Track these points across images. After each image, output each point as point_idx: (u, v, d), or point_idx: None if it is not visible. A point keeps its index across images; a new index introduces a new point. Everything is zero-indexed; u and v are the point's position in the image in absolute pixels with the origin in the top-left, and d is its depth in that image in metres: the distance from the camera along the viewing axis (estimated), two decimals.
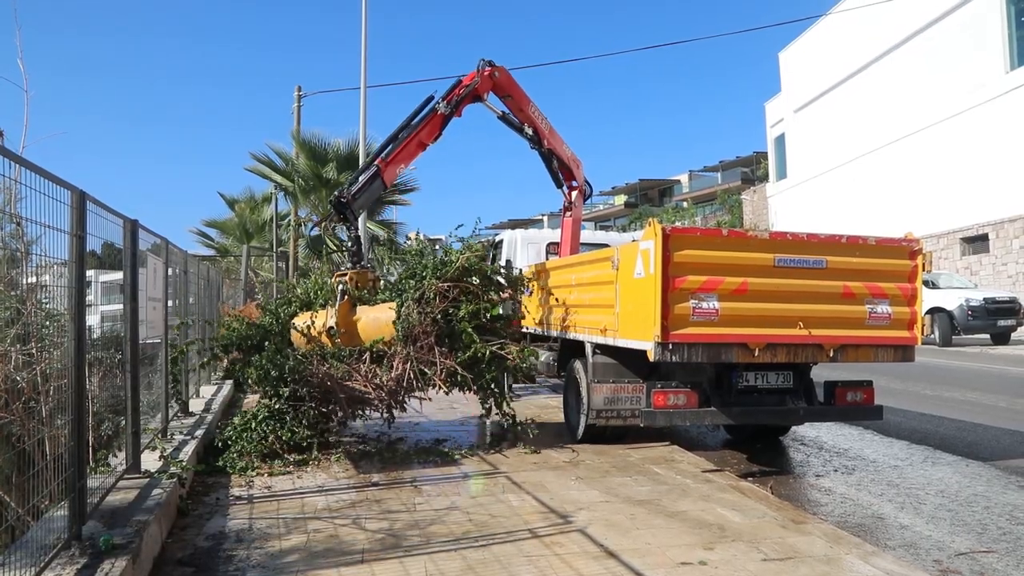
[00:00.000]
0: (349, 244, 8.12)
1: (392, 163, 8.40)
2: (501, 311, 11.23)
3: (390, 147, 8.58)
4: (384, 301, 7.84)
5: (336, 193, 8.18)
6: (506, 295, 11.04)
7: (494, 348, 7.33)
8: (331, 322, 7.51)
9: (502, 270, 8.21)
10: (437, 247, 7.65)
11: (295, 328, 7.71)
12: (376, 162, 8.36)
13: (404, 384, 7.15)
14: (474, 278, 7.60)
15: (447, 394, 7.65)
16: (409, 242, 7.71)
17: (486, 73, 8.89)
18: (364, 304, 7.85)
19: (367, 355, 7.34)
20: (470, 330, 7.22)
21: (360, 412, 7.56)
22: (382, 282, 8.42)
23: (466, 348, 7.21)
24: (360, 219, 17.48)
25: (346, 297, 7.72)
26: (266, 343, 7.98)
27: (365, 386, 7.03)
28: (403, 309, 7.25)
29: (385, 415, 7.43)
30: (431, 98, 8.72)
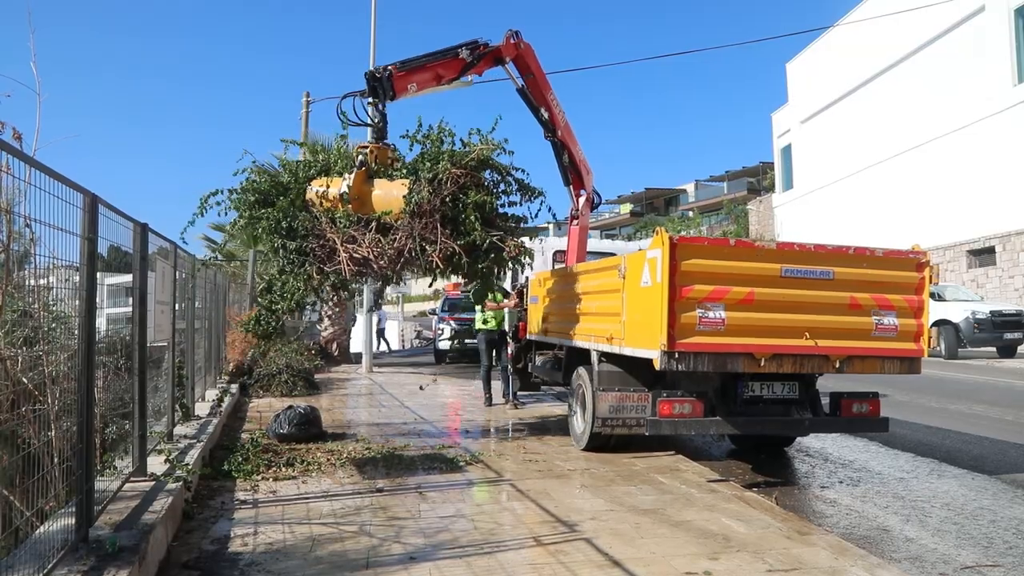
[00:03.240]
0: (376, 120, 8.06)
1: (405, 76, 8.26)
2: (507, 322, 11.26)
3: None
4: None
5: (371, 69, 8.14)
6: (512, 303, 11.10)
7: (494, 239, 7.51)
8: (344, 188, 7.54)
9: (522, 171, 8.20)
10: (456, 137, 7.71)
11: (310, 189, 7.71)
12: (391, 67, 8.22)
13: (404, 256, 7.40)
14: (486, 172, 7.79)
15: (442, 274, 7.89)
16: (432, 128, 7.66)
17: (510, 40, 9.07)
18: (379, 179, 7.92)
19: (373, 225, 7.47)
20: (473, 218, 7.38)
21: (360, 276, 7.93)
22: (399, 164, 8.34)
23: (467, 234, 7.38)
24: None
25: (364, 168, 7.68)
26: (281, 198, 7.85)
27: (368, 252, 7.27)
28: (415, 186, 7.36)
29: (377, 285, 7.81)
30: (457, 46, 8.85)
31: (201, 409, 8.81)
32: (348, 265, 7.26)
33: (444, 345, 20.22)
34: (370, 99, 7.94)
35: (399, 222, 7.40)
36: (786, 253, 6.49)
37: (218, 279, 13.03)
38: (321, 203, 7.57)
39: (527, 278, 11.34)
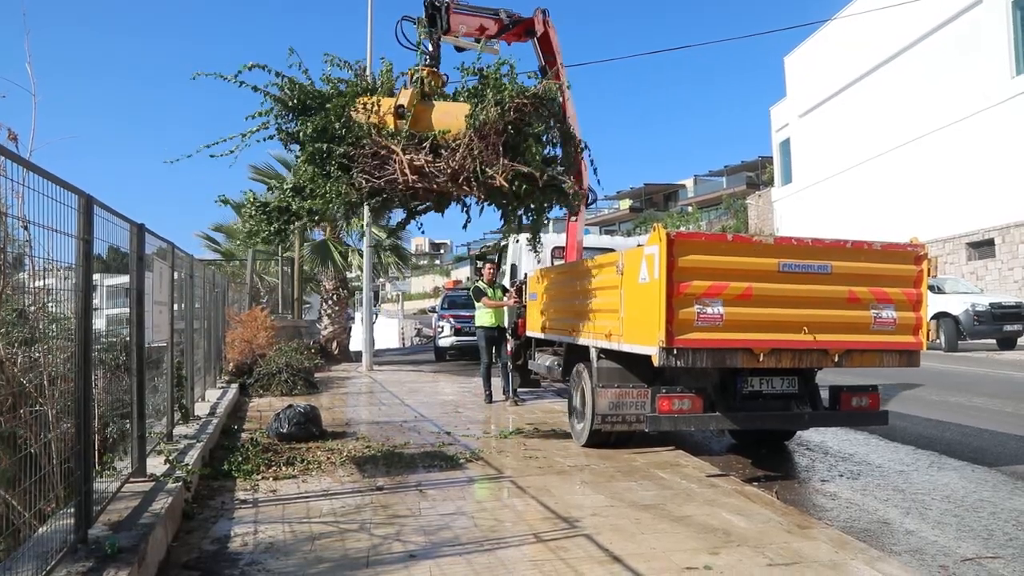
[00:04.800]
0: (431, 49, 8.00)
1: (459, 15, 8.27)
2: (506, 319, 11.23)
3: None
4: None
5: None
6: (511, 300, 11.10)
7: (553, 174, 7.42)
8: (402, 101, 7.33)
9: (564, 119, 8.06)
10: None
11: (358, 103, 7.39)
12: (448, 1, 8.23)
13: (461, 179, 7.17)
14: (546, 109, 7.64)
15: (507, 190, 7.31)
16: (490, 65, 7.57)
17: (540, 15, 9.20)
18: (436, 101, 7.77)
19: (427, 145, 7.26)
20: (535, 149, 7.31)
21: (413, 193, 7.54)
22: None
23: (527, 164, 7.25)
24: (365, 224, 17.53)
25: (420, 86, 7.54)
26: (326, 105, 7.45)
27: (425, 165, 7.05)
28: (479, 106, 7.18)
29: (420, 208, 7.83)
30: (498, 8, 8.95)
31: (201, 409, 8.81)
32: (406, 173, 7.01)
33: (444, 343, 20.22)
34: (427, 27, 7.86)
35: (457, 142, 7.17)
36: (784, 248, 6.48)
37: (217, 279, 13.03)
38: (369, 118, 7.30)
39: (526, 275, 11.35)
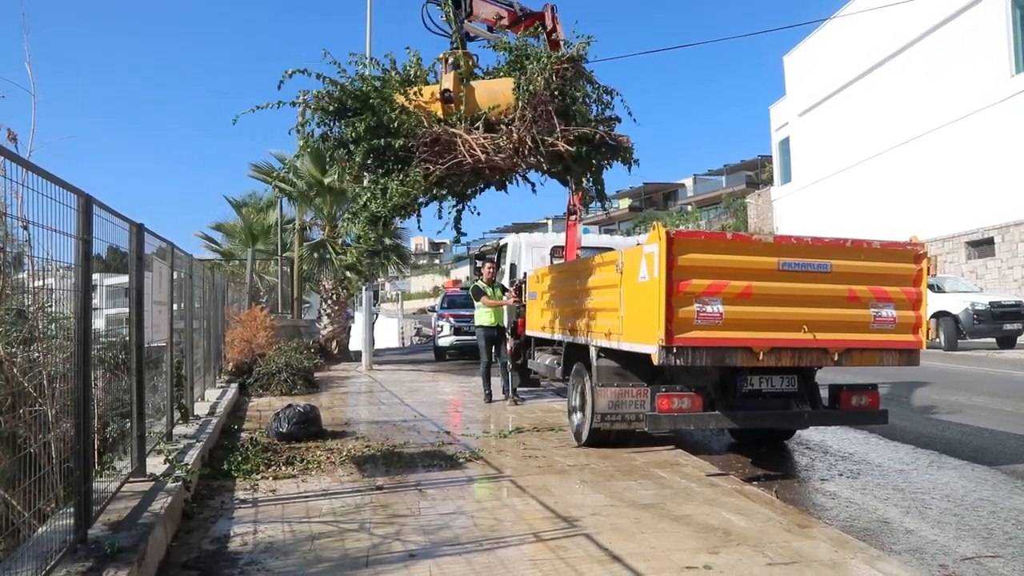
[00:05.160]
0: (455, 30, 7.97)
1: (481, 1, 8.20)
2: (506, 318, 11.23)
3: None
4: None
5: None
6: (510, 300, 11.10)
7: (606, 130, 7.44)
8: (447, 85, 7.33)
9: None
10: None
11: (400, 94, 7.34)
12: None
13: (526, 150, 7.17)
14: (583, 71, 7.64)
15: (569, 153, 7.28)
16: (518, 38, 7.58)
17: (550, 10, 9.11)
18: (474, 81, 7.76)
19: (480, 123, 7.28)
20: (584, 109, 7.33)
21: (476, 175, 7.57)
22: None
23: (580, 126, 7.27)
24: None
25: (458, 69, 7.51)
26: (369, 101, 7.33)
27: (483, 150, 7.03)
28: (525, 77, 7.21)
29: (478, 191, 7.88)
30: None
31: (200, 409, 8.81)
32: (474, 152, 7.01)
33: (444, 342, 20.22)
34: (453, 10, 7.82)
35: (509, 116, 7.23)
36: (783, 246, 6.48)
37: (216, 278, 13.03)
38: (415, 107, 7.28)
39: (525, 274, 11.36)
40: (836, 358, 6.51)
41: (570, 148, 7.14)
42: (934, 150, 26.97)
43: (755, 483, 6.42)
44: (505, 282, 12.54)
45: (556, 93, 7.21)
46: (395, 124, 7.07)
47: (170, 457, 5.69)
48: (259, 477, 6.34)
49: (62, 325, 4.27)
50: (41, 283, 4.45)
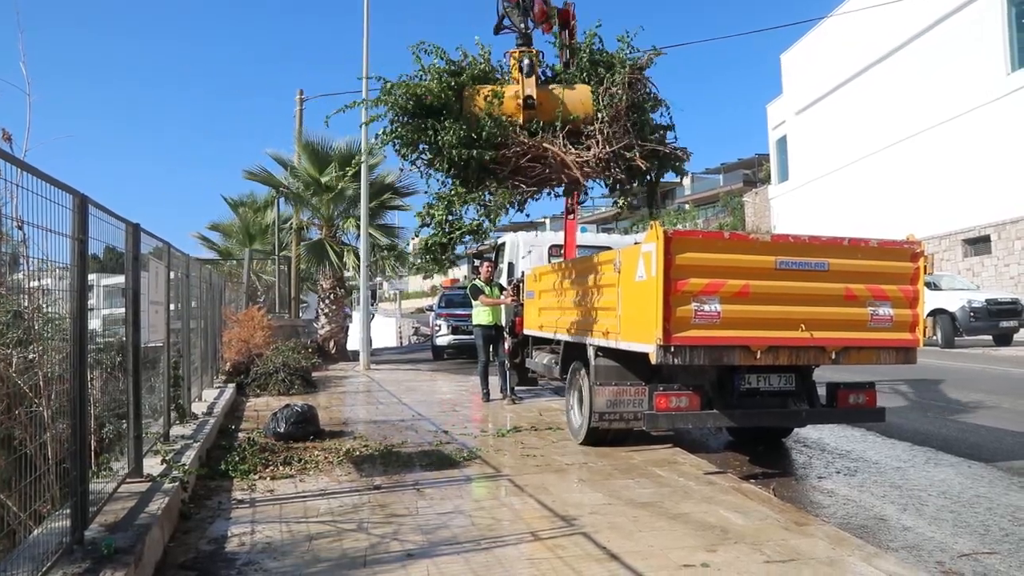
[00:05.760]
0: (522, 25, 7.72)
1: None
2: (504, 317, 11.22)
3: None
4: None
5: None
6: (508, 299, 11.10)
7: (674, 145, 7.50)
8: (529, 91, 7.14)
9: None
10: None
11: (478, 95, 7.13)
12: None
13: (607, 166, 7.16)
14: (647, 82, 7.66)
15: (646, 168, 7.33)
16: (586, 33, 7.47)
17: (572, 8, 9.16)
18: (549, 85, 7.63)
19: (561, 132, 7.16)
20: (652, 123, 7.34)
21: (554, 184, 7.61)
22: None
23: (648, 138, 7.26)
24: (361, 224, 17.52)
25: (534, 73, 7.30)
26: (444, 111, 7.16)
27: (576, 166, 6.96)
28: (603, 87, 7.10)
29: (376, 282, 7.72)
30: None
31: (198, 409, 8.79)
32: (569, 168, 6.94)
33: (442, 341, 20.20)
34: (519, 7, 7.68)
35: (591, 128, 7.16)
36: (781, 245, 6.48)
37: (214, 278, 13.01)
38: (494, 111, 7.10)
39: (523, 273, 11.35)
40: (834, 356, 6.52)
41: (648, 164, 7.15)
42: (930, 148, 27.01)
43: (753, 481, 6.42)
44: (503, 281, 12.54)
45: (633, 106, 7.21)
46: (485, 135, 6.91)
47: (167, 458, 5.68)
48: (257, 477, 6.33)
49: (58, 326, 4.26)
50: (37, 284, 4.44)
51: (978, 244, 25.47)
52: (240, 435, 8.26)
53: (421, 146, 7.28)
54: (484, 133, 6.95)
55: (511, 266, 13.17)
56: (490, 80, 7.50)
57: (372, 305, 24.66)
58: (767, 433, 8.19)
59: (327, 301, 20.32)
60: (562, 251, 11.21)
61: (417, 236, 7.58)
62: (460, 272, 28.43)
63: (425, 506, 5.44)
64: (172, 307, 7.21)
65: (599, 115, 7.13)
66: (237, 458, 6.82)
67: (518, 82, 7.34)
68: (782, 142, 38.75)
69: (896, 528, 5.35)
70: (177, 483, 5.18)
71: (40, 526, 3.66)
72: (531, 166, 7.13)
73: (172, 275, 7.10)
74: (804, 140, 36.38)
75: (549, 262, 11.59)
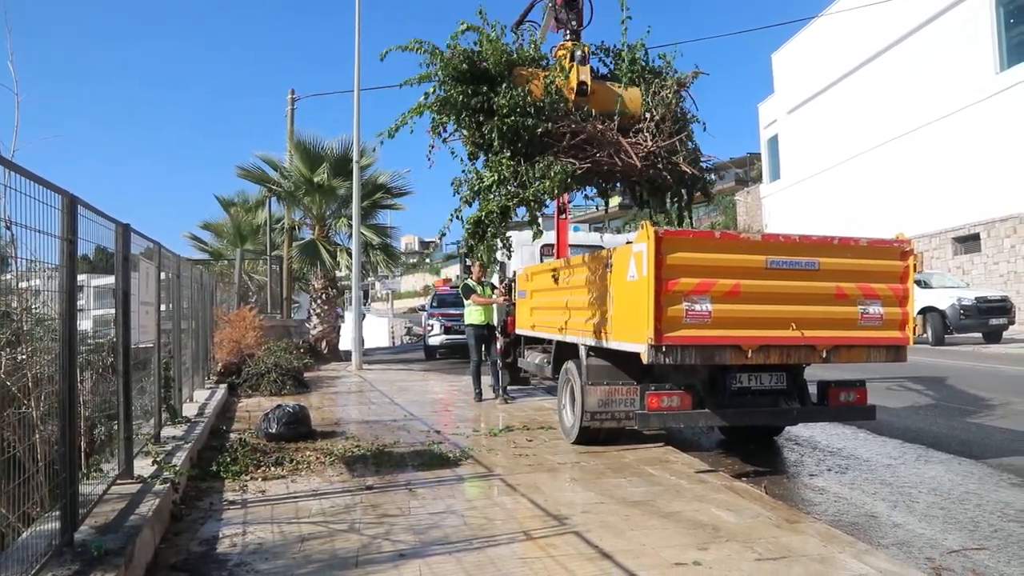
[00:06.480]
0: (571, 20, 7.74)
1: None
2: (496, 317, 11.21)
3: None
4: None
5: None
6: (500, 298, 11.10)
7: (708, 160, 7.70)
8: (584, 77, 7.08)
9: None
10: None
11: (531, 75, 7.05)
12: None
13: (656, 161, 7.19)
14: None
15: (689, 174, 7.41)
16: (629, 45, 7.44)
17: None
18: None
19: (614, 125, 7.18)
20: (692, 135, 7.46)
21: (606, 175, 7.54)
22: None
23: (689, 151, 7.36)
24: (353, 224, 17.49)
25: (587, 62, 7.27)
26: (498, 79, 6.96)
27: (627, 155, 6.96)
28: (651, 90, 7.16)
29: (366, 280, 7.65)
30: None
31: (189, 410, 8.76)
32: (631, 157, 6.91)
33: (434, 341, 20.18)
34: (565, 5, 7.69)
35: (636, 126, 7.24)
36: (771, 245, 6.50)
37: (204, 279, 12.95)
38: (547, 93, 7.00)
39: (515, 272, 11.35)
40: (824, 355, 6.54)
41: (690, 170, 7.20)
42: (921, 147, 27.14)
43: (744, 479, 6.45)
44: (495, 280, 12.53)
45: (676, 117, 7.32)
46: (548, 106, 6.83)
47: (158, 459, 5.66)
48: (248, 478, 6.31)
49: (47, 327, 4.24)
50: (27, 284, 4.42)
51: (968, 242, 25.61)
52: (232, 436, 8.24)
53: (463, 118, 6.99)
54: (546, 102, 6.87)
55: (503, 265, 13.16)
56: (539, 66, 7.48)
57: (364, 305, 24.62)
58: (759, 432, 8.22)
59: (319, 301, 20.27)
60: (554, 250, 11.22)
61: (457, 218, 7.23)
62: (452, 272, 28.37)
63: (417, 506, 5.44)
64: (163, 308, 7.18)
65: (647, 115, 7.25)
66: (228, 459, 6.80)
67: (558, 71, 7.34)
68: (773, 141, 38.88)
69: (887, 525, 5.38)
70: (168, 484, 5.17)
71: (29, 528, 3.65)
72: (584, 148, 7.09)
73: (163, 275, 7.07)
74: (795, 139, 36.50)
75: (541, 261, 11.58)
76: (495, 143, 6.84)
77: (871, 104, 30.14)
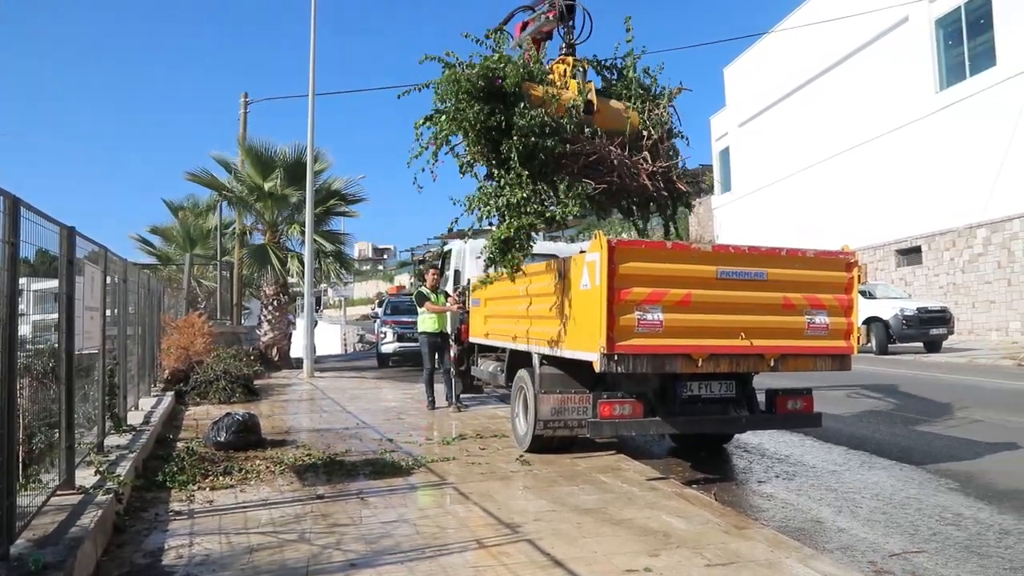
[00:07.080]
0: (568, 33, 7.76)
1: None
2: (449, 325, 11.17)
3: None
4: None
5: None
6: (454, 306, 11.08)
7: (693, 176, 7.74)
8: (591, 96, 7.12)
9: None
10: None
11: (537, 93, 6.99)
12: None
13: (658, 179, 7.29)
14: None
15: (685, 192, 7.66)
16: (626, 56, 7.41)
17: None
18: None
19: (618, 143, 7.24)
20: (679, 153, 7.63)
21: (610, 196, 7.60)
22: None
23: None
24: (307, 230, 17.29)
25: (584, 78, 7.32)
26: (513, 97, 6.91)
27: (636, 161, 7.03)
28: (647, 107, 7.26)
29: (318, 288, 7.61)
30: None
31: (134, 418, 8.55)
32: (642, 180, 7.00)
33: (387, 349, 20.04)
34: (563, 19, 7.72)
35: (641, 143, 7.31)
36: (721, 255, 6.61)
37: (152, 283, 12.67)
38: (550, 110, 6.95)
39: (469, 280, 11.34)
40: (772, 364, 6.67)
41: (687, 189, 7.36)
42: (866, 161, 27.94)
43: (695, 486, 6.54)
44: (449, 288, 12.51)
45: (669, 132, 7.48)
46: (566, 127, 6.89)
47: (101, 468, 5.51)
48: (195, 488, 6.18)
49: None
50: None
51: (910, 254, 26.42)
52: (179, 445, 8.06)
53: (478, 135, 6.90)
54: (565, 122, 6.91)
55: (457, 273, 13.15)
56: (541, 82, 7.45)
57: (317, 312, 24.33)
58: (709, 439, 8.34)
59: (270, 307, 19.98)
60: None
61: (469, 236, 7.17)
62: (406, 279, 28.21)
63: (369, 515, 5.39)
64: (108, 313, 7.01)
65: (644, 133, 7.37)
66: (175, 468, 6.65)
67: (563, 88, 7.42)
68: (725, 153, 39.61)
69: (832, 530, 5.50)
70: (111, 495, 5.03)
71: None
72: (597, 168, 7.20)
73: (109, 280, 6.90)
74: (746, 152, 37.25)
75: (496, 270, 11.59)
76: (512, 161, 6.82)
77: (819, 118, 30.92)
